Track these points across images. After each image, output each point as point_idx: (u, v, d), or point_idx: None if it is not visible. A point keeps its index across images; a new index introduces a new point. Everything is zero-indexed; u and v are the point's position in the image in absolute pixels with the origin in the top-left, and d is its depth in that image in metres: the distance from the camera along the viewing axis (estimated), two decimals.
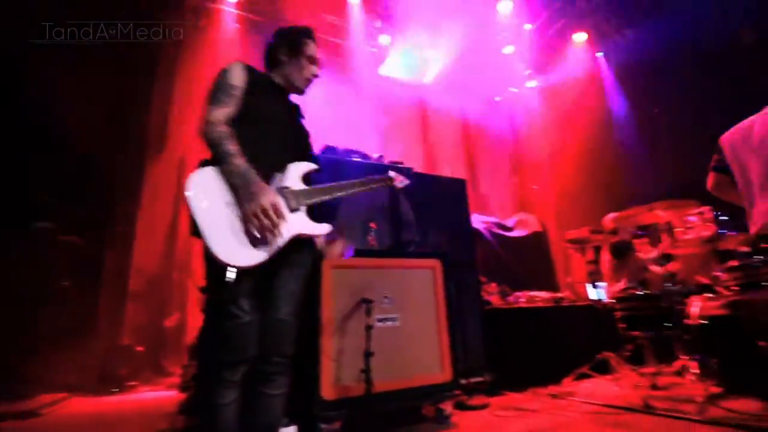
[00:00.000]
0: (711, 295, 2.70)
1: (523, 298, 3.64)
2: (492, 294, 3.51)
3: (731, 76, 5.10)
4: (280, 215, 1.28)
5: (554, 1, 5.94)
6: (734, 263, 2.87)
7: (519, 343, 3.17)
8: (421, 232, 3.23)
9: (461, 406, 2.51)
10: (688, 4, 5.39)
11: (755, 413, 2.00)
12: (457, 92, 6.58)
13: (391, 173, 1.77)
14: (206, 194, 1.26)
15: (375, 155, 3.20)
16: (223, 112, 1.34)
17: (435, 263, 2.55)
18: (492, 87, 6.89)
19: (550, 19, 6.25)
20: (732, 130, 2.43)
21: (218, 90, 1.38)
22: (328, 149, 2.96)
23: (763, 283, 2.61)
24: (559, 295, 3.75)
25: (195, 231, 1.22)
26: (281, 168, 1.42)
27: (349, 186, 1.55)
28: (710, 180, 2.49)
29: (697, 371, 2.41)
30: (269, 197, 1.27)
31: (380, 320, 2.28)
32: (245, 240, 1.26)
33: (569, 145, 6.76)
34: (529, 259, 4.43)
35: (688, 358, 2.51)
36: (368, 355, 2.07)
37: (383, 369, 2.18)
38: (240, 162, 1.27)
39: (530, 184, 6.25)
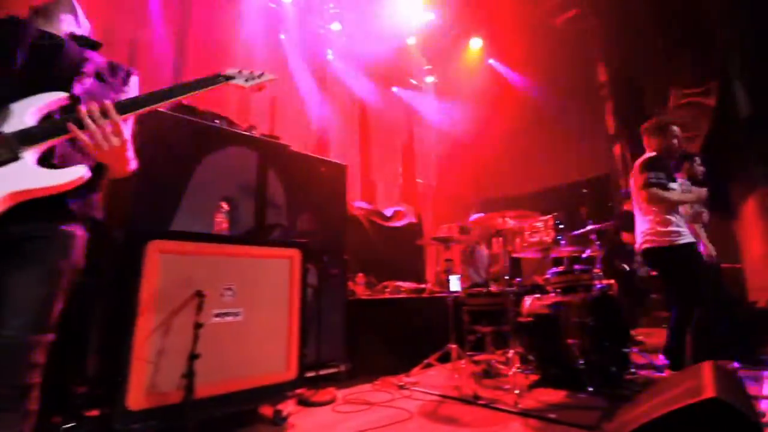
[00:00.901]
0: (540, 295, 3.01)
1: (389, 288, 3.65)
2: (359, 284, 3.44)
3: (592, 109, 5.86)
4: None
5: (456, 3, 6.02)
6: (561, 268, 3.26)
7: (377, 333, 3.17)
8: (291, 217, 2.97)
9: (305, 403, 2.37)
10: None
11: (556, 404, 2.25)
12: (359, 74, 6.31)
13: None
14: None
15: (246, 125, 2.78)
16: None
17: (293, 253, 2.32)
18: (393, 75, 6.79)
19: (452, 19, 6.35)
20: None
21: None
22: (183, 109, 2.45)
23: (578, 288, 3.00)
24: (422, 285, 3.86)
25: None
26: None
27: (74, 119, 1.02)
28: None
29: (519, 364, 2.65)
30: None
31: (219, 315, 1.98)
32: None
33: (455, 145, 7.10)
34: (402, 250, 4.49)
35: (514, 351, 2.75)
36: (192, 357, 1.77)
37: (216, 370, 1.92)
38: None
39: (416, 176, 6.40)
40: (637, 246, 2.67)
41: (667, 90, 5.00)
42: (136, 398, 1.70)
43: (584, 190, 4.85)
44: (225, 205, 2.25)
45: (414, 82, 7.16)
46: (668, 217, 2.46)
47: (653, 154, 2.61)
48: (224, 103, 4.45)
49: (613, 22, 5.54)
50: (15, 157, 0.96)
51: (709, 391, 1.16)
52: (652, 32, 5.11)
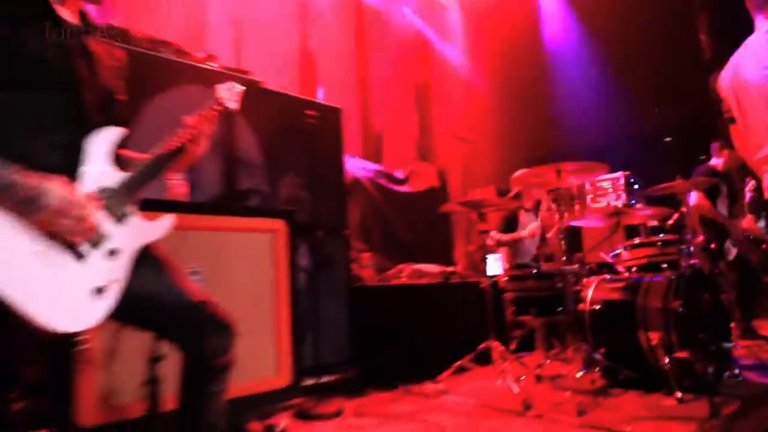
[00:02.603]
0: (609, 276, 3.01)
1: (406, 272, 3.71)
2: (366, 267, 3.50)
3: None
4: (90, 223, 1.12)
5: None
6: (637, 240, 3.24)
7: (394, 330, 3.24)
8: (271, 179, 3.01)
9: (304, 416, 2.44)
10: None
11: (633, 415, 2.28)
12: None
13: (220, 91, 1.54)
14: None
15: (201, 53, 2.75)
16: None
17: (277, 225, 2.38)
18: None
19: None
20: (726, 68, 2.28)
21: None
22: (111, 33, 2.41)
23: (663, 265, 2.99)
24: (451, 269, 3.90)
25: None
26: (76, 154, 1.18)
27: (168, 152, 1.36)
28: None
29: (582, 365, 2.68)
30: (59, 191, 1.06)
31: None
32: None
33: (491, 83, 6.94)
34: (421, 222, 4.51)
35: (576, 347, 2.77)
36: (156, 360, 1.82)
37: None
38: None
39: (436, 125, 6.31)
40: None
41: None
42: (87, 412, 1.77)
43: (667, 139, 4.76)
44: None
45: None
46: None
47: None
48: (169, 25, 4.26)
49: None
50: (127, 214, 1.25)
51: None
52: None
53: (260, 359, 2.21)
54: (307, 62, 5.15)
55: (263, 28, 4.94)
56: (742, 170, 4.07)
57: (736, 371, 2.73)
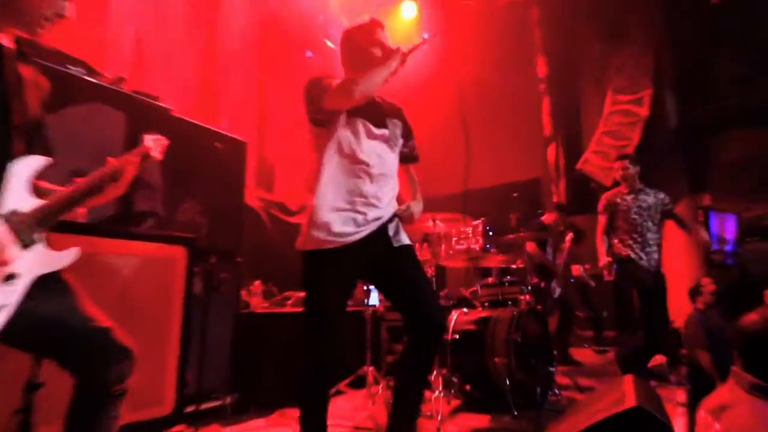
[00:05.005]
0: (466, 309, 3.35)
1: (291, 299, 3.69)
2: (254, 294, 3.42)
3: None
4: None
5: None
6: (490, 280, 3.67)
7: (276, 355, 3.18)
8: (170, 204, 2.86)
9: None
10: None
11: (479, 430, 2.57)
12: (261, 28, 6.13)
13: (147, 141, 1.54)
14: None
15: (110, 75, 2.60)
16: None
17: (178, 251, 2.30)
18: (305, 34, 6.75)
19: None
20: None
21: None
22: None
23: (509, 302, 3.42)
24: None
25: None
26: None
27: (88, 187, 1.34)
28: None
29: (441, 387, 2.93)
30: None
31: None
32: None
33: None
34: None
35: (437, 372, 3.02)
36: (33, 387, 1.64)
37: (64, 404, 1.80)
38: None
39: None
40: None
41: (604, 94, 5.90)
42: None
43: (514, 194, 5.47)
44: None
45: (331, 45, 7.19)
46: None
47: None
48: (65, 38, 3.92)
49: (556, 16, 6.33)
50: (33, 242, 1.19)
51: (631, 401, 1.47)
52: (593, 34, 6.00)
53: (145, 386, 2.08)
54: (209, 90, 4.99)
55: (166, 49, 4.71)
56: (564, 226, 4.84)
57: (557, 391, 3.20)
